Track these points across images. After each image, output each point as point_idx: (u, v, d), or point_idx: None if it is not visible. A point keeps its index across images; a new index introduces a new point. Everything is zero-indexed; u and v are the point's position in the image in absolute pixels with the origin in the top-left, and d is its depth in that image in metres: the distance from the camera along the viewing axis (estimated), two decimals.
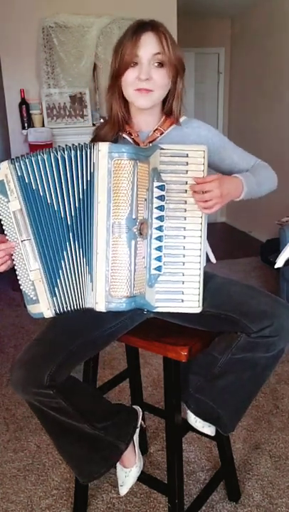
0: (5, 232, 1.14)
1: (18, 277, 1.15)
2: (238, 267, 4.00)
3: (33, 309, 1.15)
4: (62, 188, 1.08)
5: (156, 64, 1.17)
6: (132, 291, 1.06)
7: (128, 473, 1.36)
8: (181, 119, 1.29)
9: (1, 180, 1.11)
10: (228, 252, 4.40)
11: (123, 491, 1.36)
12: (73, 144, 1.08)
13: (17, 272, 1.15)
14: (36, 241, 1.11)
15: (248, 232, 5.14)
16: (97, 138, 1.29)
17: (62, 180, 1.08)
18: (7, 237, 1.14)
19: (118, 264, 1.05)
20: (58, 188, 1.08)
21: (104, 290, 1.06)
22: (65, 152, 1.07)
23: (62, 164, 1.07)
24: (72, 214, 1.09)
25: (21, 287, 1.15)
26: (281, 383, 2.25)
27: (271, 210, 4.38)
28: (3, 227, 1.15)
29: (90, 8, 3.58)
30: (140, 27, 1.16)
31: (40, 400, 1.12)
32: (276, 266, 1.52)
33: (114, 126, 1.25)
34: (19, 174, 1.09)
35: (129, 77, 1.18)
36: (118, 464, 1.37)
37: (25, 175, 1.09)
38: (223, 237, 5.14)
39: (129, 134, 1.26)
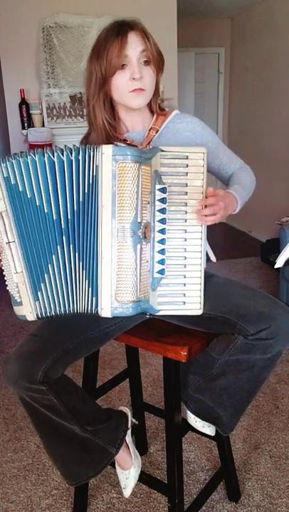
0: None
1: (5, 278, 1.15)
2: (238, 267, 4.00)
3: (18, 311, 1.16)
4: (57, 191, 1.06)
5: (143, 62, 1.17)
6: (138, 296, 1.05)
7: (128, 474, 1.36)
8: (173, 114, 1.28)
9: None
10: (228, 252, 4.40)
11: (127, 492, 1.36)
12: (67, 146, 1.06)
13: (4, 273, 1.15)
14: (20, 244, 1.10)
15: (248, 232, 5.14)
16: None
17: (58, 183, 1.06)
18: None
19: (124, 269, 1.04)
20: (51, 191, 1.06)
21: (110, 295, 1.05)
22: (64, 153, 1.04)
23: (60, 166, 1.05)
24: (69, 217, 1.07)
25: (8, 288, 1.15)
26: (281, 383, 2.25)
27: (271, 210, 4.38)
28: None
29: (90, 8, 3.58)
30: (121, 28, 1.15)
31: (31, 396, 1.11)
32: (276, 266, 1.52)
33: (102, 133, 1.24)
34: (5, 175, 1.08)
35: (121, 81, 1.16)
36: (117, 467, 1.38)
37: (11, 176, 1.07)
38: (223, 237, 5.14)
39: (124, 141, 1.24)
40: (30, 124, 3.64)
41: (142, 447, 1.80)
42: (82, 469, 1.26)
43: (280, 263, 1.51)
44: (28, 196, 1.07)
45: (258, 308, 1.14)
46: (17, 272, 1.12)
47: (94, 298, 1.07)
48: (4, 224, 1.10)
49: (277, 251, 2.66)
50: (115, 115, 1.26)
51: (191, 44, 4.96)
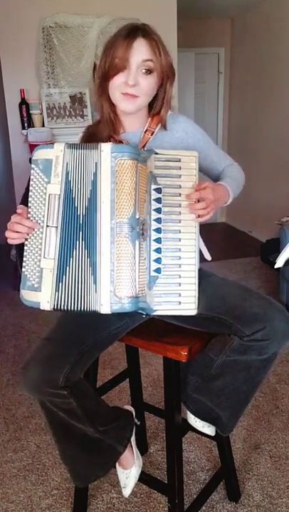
0: (29, 209, 1.11)
1: (25, 258, 1.11)
2: (238, 267, 4.00)
3: (28, 296, 1.10)
4: (82, 185, 1.08)
5: (144, 70, 1.16)
6: (136, 291, 1.06)
7: (128, 474, 1.36)
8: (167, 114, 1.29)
9: (49, 159, 1.09)
10: (228, 252, 4.40)
11: (127, 492, 1.37)
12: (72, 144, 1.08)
13: (25, 253, 1.11)
14: (61, 231, 1.09)
15: (248, 232, 5.14)
16: (90, 137, 1.28)
17: (83, 178, 1.08)
18: (29, 215, 1.11)
19: (123, 264, 1.05)
20: (80, 185, 1.08)
21: (109, 291, 1.05)
22: (85, 150, 1.07)
23: (84, 161, 1.08)
24: (84, 213, 1.08)
25: (24, 269, 1.11)
26: (281, 383, 2.25)
27: (271, 210, 4.38)
28: (29, 204, 1.11)
29: (90, 8, 3.58)
30: (132, 32, 1.15)
31: (52, 401, 1.12)
32: (276, 266, 1.52)
33: (108, 125, 1.25)
34: (67, 161, 1.09)
35: (117, 81, 1.17)
36: (118, 467, 1.38)
37: (69, 163, 1.08)
38: (223, 237, 5.14)
39: (120, 143, 1.24)
40: (30, 124, 3.64)
41: (142, 447, 1.80)
42: (91, 469, 1.28)
43: (280, 263, 1.51)
44: (71, 187, 1.09)
45: (253, 309, 1.14)
46: (47, 258, 1.09)
47: (95, 294, 1.07)
48: (51, 207, 1.09)
49: (277, 251, 2.66)
50: (116, 112, 1.27)
51: (191, 44, 4.96)
